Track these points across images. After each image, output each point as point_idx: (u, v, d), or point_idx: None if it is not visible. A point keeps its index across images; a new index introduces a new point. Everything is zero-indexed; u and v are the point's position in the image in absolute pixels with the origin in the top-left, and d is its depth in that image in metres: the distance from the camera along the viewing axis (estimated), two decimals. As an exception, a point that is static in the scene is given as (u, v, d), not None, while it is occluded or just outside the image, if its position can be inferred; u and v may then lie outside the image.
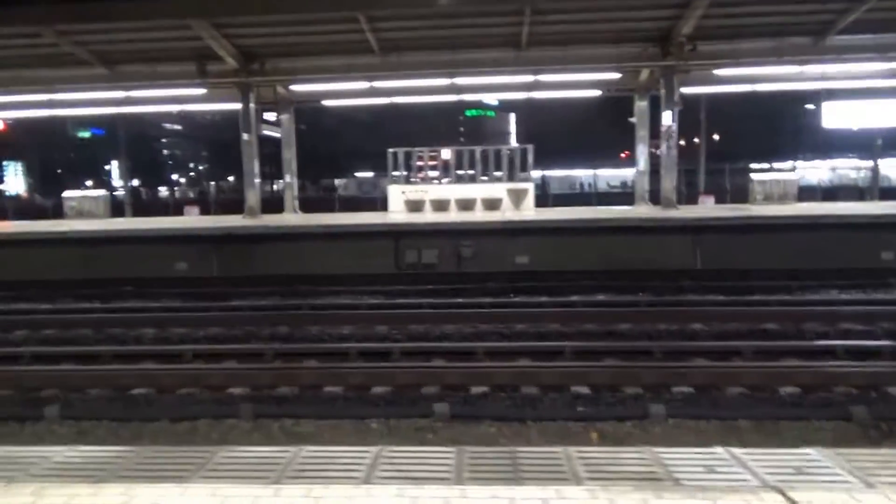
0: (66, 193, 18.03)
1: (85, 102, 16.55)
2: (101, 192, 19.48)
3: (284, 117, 17.77)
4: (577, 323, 8.28)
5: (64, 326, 8.77)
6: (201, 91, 15.58)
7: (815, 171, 45.75)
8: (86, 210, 17.26)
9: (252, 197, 15.80)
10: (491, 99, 61.09)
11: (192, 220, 17.04)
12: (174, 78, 15.25)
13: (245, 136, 15.36)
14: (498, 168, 17.05)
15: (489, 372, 6.25)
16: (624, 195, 40.13)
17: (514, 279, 12.00)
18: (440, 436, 4.98)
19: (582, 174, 59.50)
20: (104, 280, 12.77)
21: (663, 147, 14.88)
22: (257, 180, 16.04)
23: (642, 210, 16.88)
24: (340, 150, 67.80)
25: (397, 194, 17.13)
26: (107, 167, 77.24)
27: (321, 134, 62.95)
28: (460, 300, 10.16)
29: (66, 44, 13.83)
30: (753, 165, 42.66)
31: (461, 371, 6.29)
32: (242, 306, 10.08)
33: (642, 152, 17.23)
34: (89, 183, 72.47)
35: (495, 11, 12.98)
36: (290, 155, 18.01)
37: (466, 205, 16.82)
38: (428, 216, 15.84)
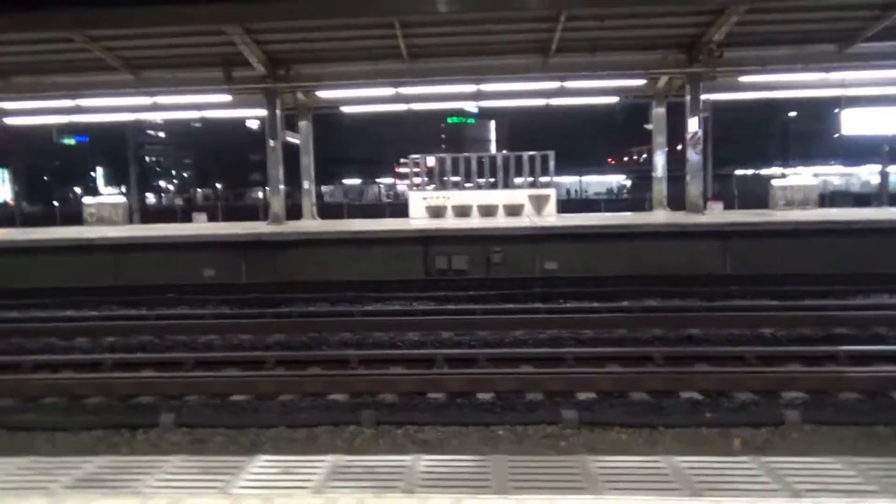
0: (86, 200, 17.78)
1: (109, 108, 16.33)
2: (121, 198, 19.22)
3: (303, 124, 17.70)
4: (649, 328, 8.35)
5: (126, 333, 8.64)
6: (226, 97, 15.45)
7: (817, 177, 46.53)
8: (105, 216, 17.03)
9: (276, 203, 15.68)
10: (471, 107, 61.49)
11: (219, 226, 16.86)
12: (199, 84, 15.12)
13: (271, 143, 15.25)
14: (519, 174, 17.11)
15: (611, 377, 6.24)
16: (610, 202, 40.64)
17: (553, 284, 12.03)
18: (571, 442, 4.97)
19: (567, 181, 59.94)
20: (135, 287, 12.61)
21: (689, 153, 15.03)
22: (282, 187, 15.91)
23: (660, 215, 17.05)
24: (324, 157, 67.76)
25: (419, 200, 17.12)
26: (91, 174, 76.50)
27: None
28: (514, 305, 10.16)
29: (97, 49, 13.64)
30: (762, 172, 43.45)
31: (562, 376, 6.28)
32: (293, 313, 9.99)
33: (660, 158, 17.39)
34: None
35: (531, 17, 13.03)
36: (308, 161, 17.93)
37: (488, 211, 16.85)
38: (450, 222, 15.88)
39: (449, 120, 79.91)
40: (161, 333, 8.66)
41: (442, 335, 8.33)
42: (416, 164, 17.37)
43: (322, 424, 5.22)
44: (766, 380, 6.12)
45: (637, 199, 40.89)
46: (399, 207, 34.18)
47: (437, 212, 16.85)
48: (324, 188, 70.25)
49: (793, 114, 45.90)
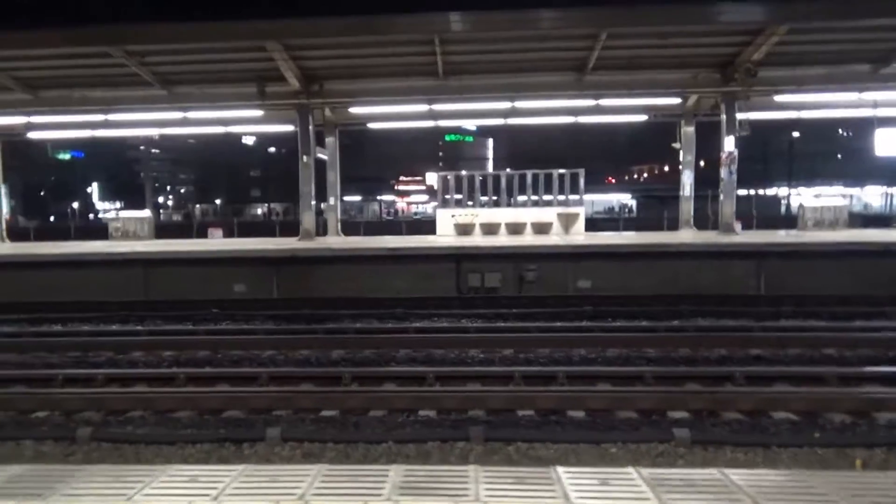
0: (111, 214, 17.67)
1: (141, 123, 16.27)
2: (146, 213, 19.10)
3: (330, 140, 17.68)
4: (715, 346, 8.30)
5: (180, 347, 8.52)
6: (258, 113, 15.43)
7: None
8: (131, 231, 16.90)
9: (308, 220, 15.60)
10: (470, 125, 61.83)
11: (247, 242, 16.75)
12: (232, 99, 15.10)
13: (304, 159, 15.20)
14: (548, 191, 17.11)
15: (701, 397, 6.16)
16: (610, 221, 40.61)
17: (597, 302, 11.95)
18: (687, 460, 4.89)
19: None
20: (168, 302, 12.49)
21: (723, 172, 15.07)
22: (314, 202, 15.85)
23: (687, 234, 17.06)
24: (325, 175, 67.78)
25: (446, 218, 17.07)
26: (88, 190, 76.26)
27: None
28: (571, 323, 10.11)
29: (134, 64, 13.60)
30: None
31: (652, 395, 6.20)
32: (345, 328, 9.88)
33: (688, 178, 17.43)
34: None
35: (571, 35, 13.10)
36: (333, 177, 17.90)
37: (516, 229, 16.82)
38: (485, 240, 15.82)
39: (447, 137, 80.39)
40: (217, 348, 8.56)
41: (504, 351, 8.26)
42: (445, 181, 17.29)
43: (432, 440, 5.11)
44: (858, 400, 6.06)
45: (644, 218, 41.19)
46: (415, 225, 34.20)
47: (464, 229, 16.79)
48: (324, 205, 70.54)
49: (795, 134, 46.36)
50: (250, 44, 13.24)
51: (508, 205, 17.17)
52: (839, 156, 53.94)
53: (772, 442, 5.14)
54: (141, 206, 68.56)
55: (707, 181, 20.40)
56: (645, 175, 75.01)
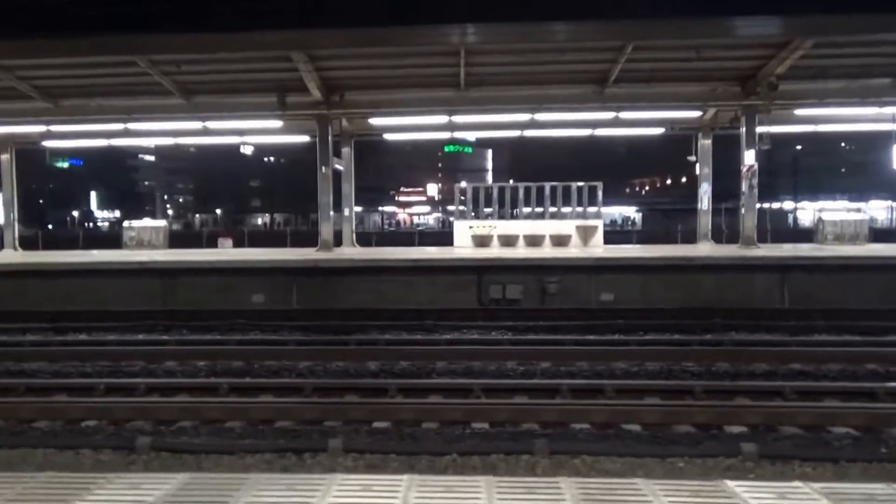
0: (126, 223, 17.61)
1: (159, 132, 16.25)
2: (161, 222, 19.05)
3: (346, 150, 17.66)
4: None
5: (212, 357, 8.43)
6: (277, 123, 15.41)
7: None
8: (146, 240, 16.84)
9: (326, 230, 15.55)
10: (470, 136, 61.99)
11: (266, 252, 16.68)
12: (252, 109, 15.08)
13: (323, 170, 15.17)
14: (566, 204, 17.10)
15: (755, 411, 6.10)
16: (619, 233, 40.56)
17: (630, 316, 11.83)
18: (758, 474, 4.80)
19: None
20: (187, 312, 12.37)
21: (744, 186, 15.07)
22: (332, 213, 15.80)
23: (705, 248, 17.04)
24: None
25: (464, 229, 17.03)
26: (86, 198, 76.19)
27: (306, 169, 63.26)
28: (604, 336, 10.04)
29: (157, 74, 13.58)
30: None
31: (716, 409, 6.13)
32: (376, 340, 9.80)
33: (705, 191, 17.44)
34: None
35: (596, 48, 13.12)
36: (349, 188, 17.88)
37: (535, 241, 16.78)
38: (500, 251, 15.79)
39: (446, 149, 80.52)
40: (249, 358, 8.47)
41: (536, 365, 8.19)
42: (463, 193, 17.27)
43: (496, 453, 5.03)
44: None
45: (647, 231, 41.20)
46: (425, 236, 34.11)
47: (482, 241, 16.76)
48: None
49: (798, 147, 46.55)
50: (274, 54, 13.24)
51: (527, 217, 17.12)
52: (843, 169, 54.20)
53: (839, 456, 5.06)
54: (139, 215, 68.64)
55: (716, 194, 20.42)
56: (647, 188, 75.15)
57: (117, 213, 75.47)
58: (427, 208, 75.55)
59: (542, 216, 17.02)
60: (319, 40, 12.45)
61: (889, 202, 48.06)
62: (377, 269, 13.72)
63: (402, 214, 72.32)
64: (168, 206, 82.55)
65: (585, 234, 16.66)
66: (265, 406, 6.09)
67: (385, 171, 69.54)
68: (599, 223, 16.87)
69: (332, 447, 4.99)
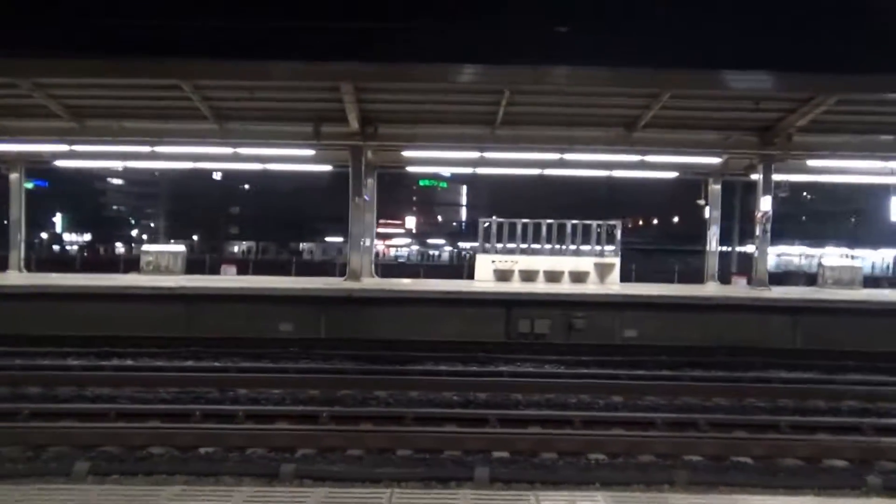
0: (144, 248, 17.39)
1: (188, 156, 16.22)
2: (180, 247, 18.83)
3: (370, 181, 17.81)
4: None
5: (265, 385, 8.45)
6: (310, 152, 15.54)
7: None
8: (163, 265, 16.65)
9: (356, 260, 15.62)
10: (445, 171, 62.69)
11: (299, 281, 16.66)
12: (286, 138, 15.19)
13: (356, 200, 15.31)
14: (586, 242, 17.49)
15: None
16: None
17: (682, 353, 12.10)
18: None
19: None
20: (213, 339, 12.24)
21: (758, 230, 15.70)
22: (362, 243, 15.92)
23: (712, 287, 17.61)
24: (302, 215, 67.62)
25: (486, 263, 17.28)
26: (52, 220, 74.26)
27: (283, 197, 63.08)
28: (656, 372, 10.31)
29: (197, 99, 13.64)
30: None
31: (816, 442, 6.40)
32: (428, 371, 9.90)
33: (714, 233, 18.09)
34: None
35: (633, 93, 13.65)
36: (371, 219, 18.01)
37: (554, 276, 17.09)
38: (531, 285, 16.08)
39: (421, 182, 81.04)
40: (318, 386, 8.50)
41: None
42: (486, 228, 17.55)
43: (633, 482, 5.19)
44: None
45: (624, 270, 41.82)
46: (432, 269, 33.90)
47: (503, 275, 17.00)
48: (303, 245, 69.79)
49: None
50: (318, 84, 13.46)
51: (548, 252, 17.45)
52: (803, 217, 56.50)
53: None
54: (108, 240, 66.99)
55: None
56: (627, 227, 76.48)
57: (86, 237, 73.73)
58: (407, 240, 75.73)
59: (560, 252, 17.36)
60: (370, 74, 12.77)
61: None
62: (410, 301, 13.85)
63: (380, 246, 72.19)
64: (135, 231, 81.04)
65: (603, 271, 17.05)
66: (386, 434, 6.19)
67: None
68: (617, 261, 17.29)
69: (479, 476, 5.09)
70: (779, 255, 51.32)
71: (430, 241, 76.51)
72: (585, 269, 17.07)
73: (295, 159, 16.35)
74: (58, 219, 76.08)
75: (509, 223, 17.53)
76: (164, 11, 11.58)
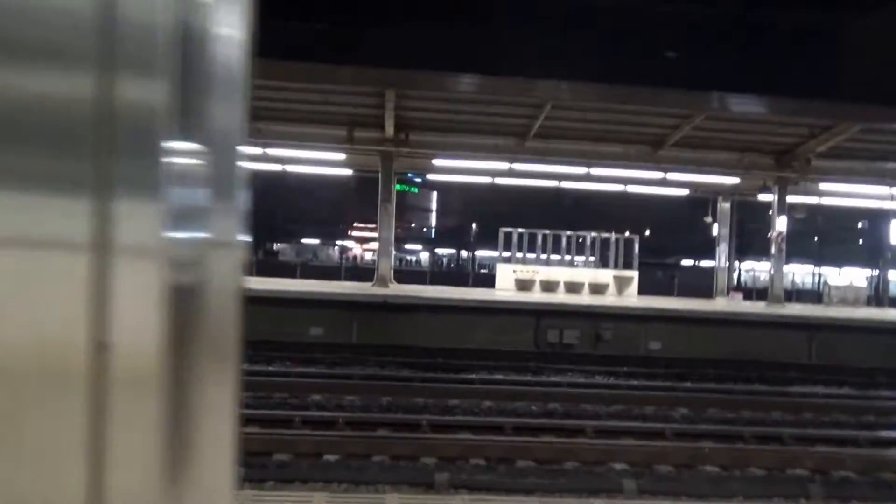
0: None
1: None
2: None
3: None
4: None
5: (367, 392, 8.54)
6: (341, 156, 15.58)
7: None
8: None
9: (385, 265, 15.72)
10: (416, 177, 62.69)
11: (329, 285, 16.63)
12: (319, 140, 15.20)
13: (386, 206, 15.41)
14: (604, 254, 17.93)
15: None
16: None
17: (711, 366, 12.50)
18: None
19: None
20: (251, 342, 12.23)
21: (773, 249, 16.33)
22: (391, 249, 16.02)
23: (721, 303, 18.23)
24: (280, 216, 66.77)
25: (508, 272, 17.54)
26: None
27: (261, 198, 62.10)
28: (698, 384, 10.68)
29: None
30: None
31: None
32: (486, 380, 10.08)
33: (723, 250, 18.74)
34: None
35: (667, 113, 14.07)
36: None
37: (574, 287, 17.44)
38: (567, 297, 16.36)
39: (396, 187, 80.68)
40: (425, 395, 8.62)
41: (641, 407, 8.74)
42: (508, 237, 17.82)
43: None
44: None
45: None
46: (440, 276, 33.39)
47: (524, 285, 17.29)
48: (277, 246, 68.77)
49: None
50: (359, 88, 13.51)
51: (567, 263, 17.83)
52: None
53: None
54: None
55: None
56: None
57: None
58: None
59: (583, 264, 17.76)
60: (416, 82, 12.85)
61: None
62: (445, 308, 13.96)
63: (357, 249, 71.70)
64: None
65: (621, 283, 17.49)
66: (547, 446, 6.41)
67: (337, 205, 68.89)
68: (635, 274, 17.75)
69: (627, 489, 5.33)
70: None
71: (406, 246, 76.26)
72: (605, 280, 17.48)
73: (324, 162, 16.32)
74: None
75: (529, 234, 17.83)
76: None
